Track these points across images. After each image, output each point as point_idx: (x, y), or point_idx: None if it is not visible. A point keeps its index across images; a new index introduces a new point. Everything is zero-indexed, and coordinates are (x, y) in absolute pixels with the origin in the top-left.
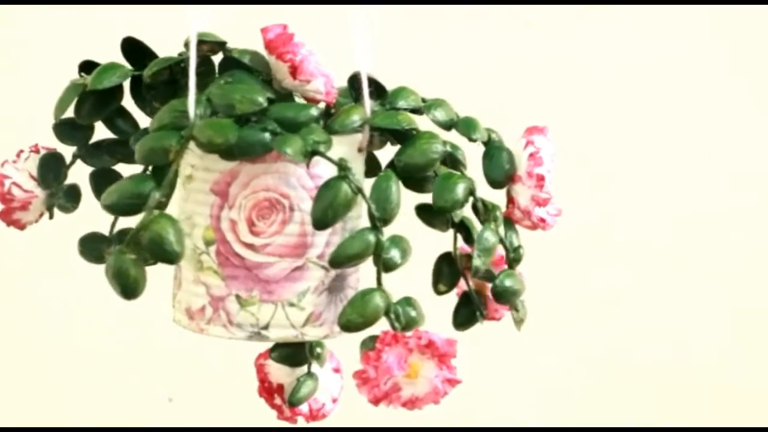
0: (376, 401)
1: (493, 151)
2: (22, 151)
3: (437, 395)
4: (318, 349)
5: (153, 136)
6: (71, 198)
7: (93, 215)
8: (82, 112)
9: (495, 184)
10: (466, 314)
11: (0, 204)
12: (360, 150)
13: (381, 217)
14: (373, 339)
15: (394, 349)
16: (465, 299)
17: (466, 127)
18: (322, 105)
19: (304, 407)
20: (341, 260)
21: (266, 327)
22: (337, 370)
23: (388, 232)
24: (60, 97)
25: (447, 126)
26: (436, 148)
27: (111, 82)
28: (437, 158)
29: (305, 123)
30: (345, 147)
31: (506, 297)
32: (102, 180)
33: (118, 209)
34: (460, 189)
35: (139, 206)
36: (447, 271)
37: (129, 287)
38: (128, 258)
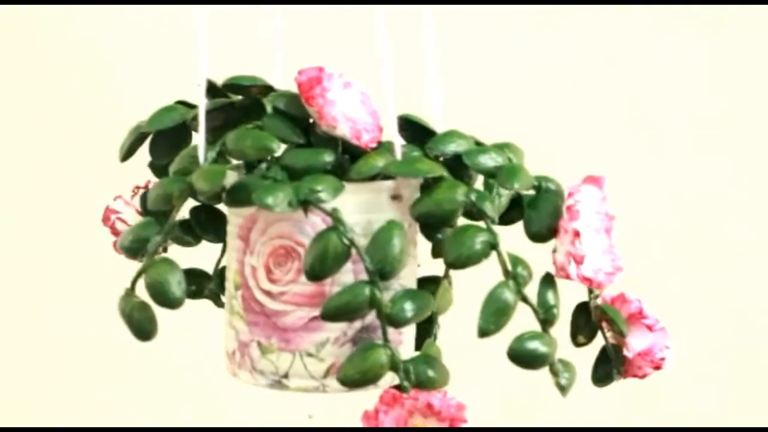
0: None
1: (539, 201)
2: (138, 188)
3: None
4: None
5: (162, 182)
6: (188, 232)
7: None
8: (154, 153)
9: (534, 237)
10: (604, 371)
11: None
12: (394, 198)
13: (376, 270)
14: None
15: (393, 410)
16: (603, 354)
17: (506, 174)
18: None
19: None
20: (329, 313)
21: (286, 376)
22: None
23: None
24: (123, 140)
25: (489, 173)
26: (454, 198)
27: (162, 124)
28: (455, 209)
29: (315, 170)
30: (370, 195)
31: (525, 361)
32: (203, 214)
33: (127, 251)
34: (477, 242)
35: (143, 250)
36: (585, 322)
37: (136, 329)
38: (134, 301)
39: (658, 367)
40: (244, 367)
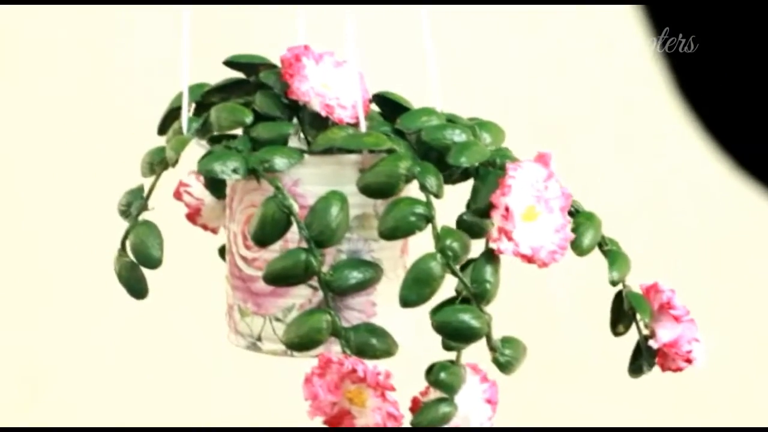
0: (329, 424)
1: (487, 176)
2: None
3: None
4: (442, 374)
5: (149, 151)
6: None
7: None
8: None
9: (476, 212)
10: (638, 363)
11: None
12: (363, 171)
13: (311, 237)
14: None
15: (326, 375)
16: (638, 346)
17: (456, 150)
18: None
19: None
20: (268, 277)
21: (259, 339)
22: (488, 401)
23: None
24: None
25: (445, 149)
26: (394, 171)
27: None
28: (394, 182)
29: (276, 141)
30: (331, 167)
31: (450, 332)
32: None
33: (120, 214)
34: (410, 214)
35: (128, 214)
36: (623, 311)
37: (126, 287)
38: (124, 260)
39: (688, 361)
40: (231, 329)
